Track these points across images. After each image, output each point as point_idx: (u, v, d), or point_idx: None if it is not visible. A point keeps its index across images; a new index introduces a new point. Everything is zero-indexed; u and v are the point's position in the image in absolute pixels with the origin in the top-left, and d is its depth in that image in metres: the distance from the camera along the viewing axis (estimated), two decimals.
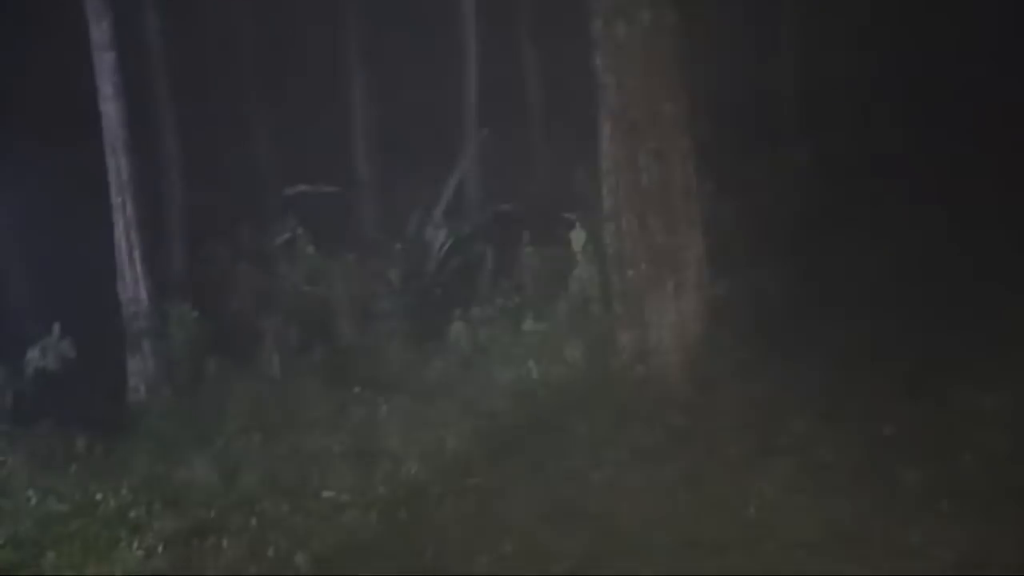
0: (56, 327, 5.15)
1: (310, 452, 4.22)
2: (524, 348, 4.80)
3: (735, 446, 3.68)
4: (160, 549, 3.64)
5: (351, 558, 3.47)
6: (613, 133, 4.61)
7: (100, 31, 5.45)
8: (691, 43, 4.52)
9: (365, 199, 7.22)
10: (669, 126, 4.54)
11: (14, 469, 4.41)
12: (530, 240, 5.60)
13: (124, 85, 5.52)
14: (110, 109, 5.51)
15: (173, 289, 5.92)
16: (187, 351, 5.47)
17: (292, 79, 7.31)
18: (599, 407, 4.15)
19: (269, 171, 7.22)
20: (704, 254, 4.55)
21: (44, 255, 6.36)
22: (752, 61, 6.19)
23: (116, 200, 5.60)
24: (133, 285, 5.60)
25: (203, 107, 6.85)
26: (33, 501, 4.04)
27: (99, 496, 4.01)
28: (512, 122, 7.06)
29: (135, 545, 3.66)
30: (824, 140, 5.88)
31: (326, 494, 3.87)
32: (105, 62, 5.47)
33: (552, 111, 7.09)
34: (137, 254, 5.60)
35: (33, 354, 5.10)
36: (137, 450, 4.67)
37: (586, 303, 5.05)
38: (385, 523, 3.65)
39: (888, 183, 5.41)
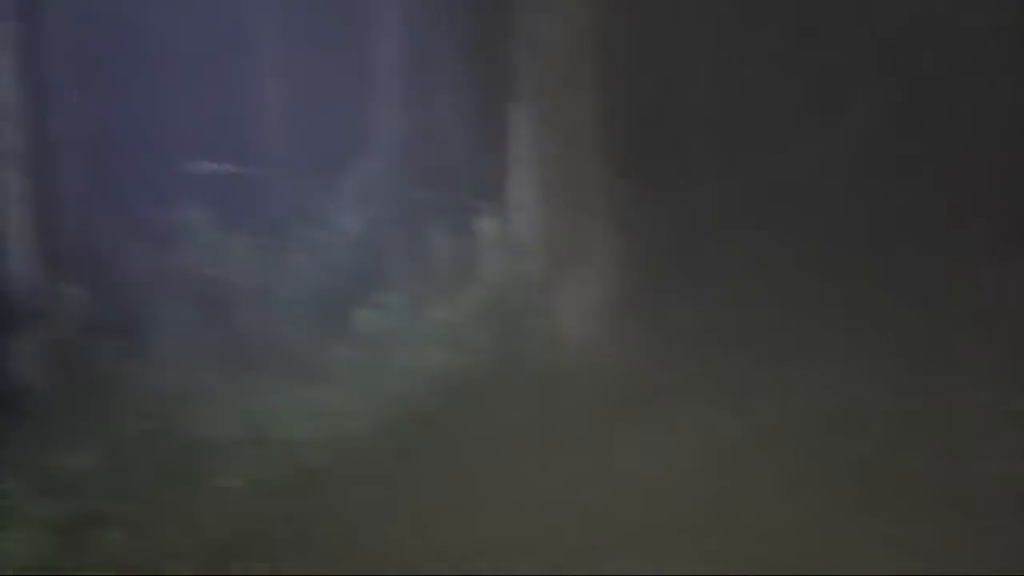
0: None
1: (205, 439, 4.19)
2: (432, 335, 4.84)
3: (640, 434, 3.82)
4: (44, 539, 3.56)
5: (246, 548, 3.46)
6: (527, 123, 4.69)
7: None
8: (612, 40, 4.63)
9: (272, 179, 7.12)
10: (583, 119, 4.65)
11: None
12: (441, 227, 5.63)
13: (19, 55, 5.32)
14: (2, 79, 5.30)
15: (63, 268, 5.73)
16: (77, 333, 5.32)
17: (199, 51, 7.14)
18: (505, 395, 4.24)
19: (171, 146, 7.04)
20: (614, 245, 4.69)
21: None
22: (675, 63, 6.33)
23: (5, 173, 5.40)
24: (21, 263, 5.41)
25: (102, 78, 6.63)
26: None
27: None
28: (426, 107, 7.06)
29: (16, 535, 3.56)
30: (742, 141, 6.08)
31: (221, 483, 3.85)
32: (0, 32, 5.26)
33: (468, 97, 7.12)
34: (26, 230, 5.41)
35: None
36: (21, 436, 4.53)
37: (496, 291, 5.13)
38: (283, 512, 3.65)
39: (807, 182, 5.62)
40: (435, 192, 6.16)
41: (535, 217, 4.71)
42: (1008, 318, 4.44)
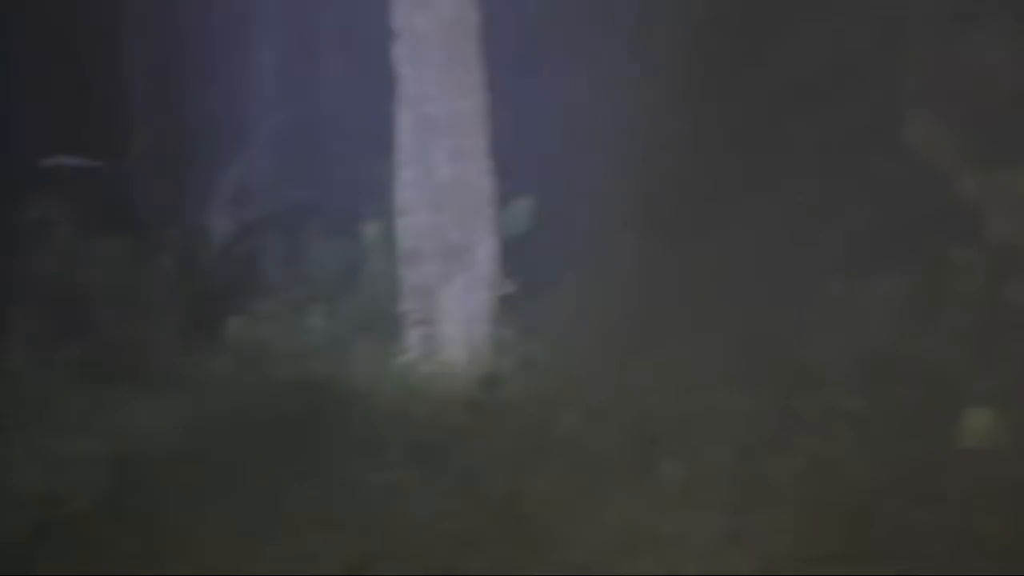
0: None
1: (60, 457, 4.01)
2: (308, 345, 4.79)
3: (514, 444, 3.88)
4: None
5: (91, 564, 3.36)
6: (409, 126, 4.71)
7: None
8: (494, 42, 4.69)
9: (139, 176, 6.86)
10: (466, 123, 4.70)
11: None
12: (321, 231, 5.57)
13: None
14: None
15: None
16: None
17: (61, 36, 6.82)
18: (382, 405, 4.23)
19: (24, 137, 6.69)
20: (496, 253, 4.75)
21: None
22: (561, 66, 6.41)
23: None
24: None
25: None
26: None
27: None
28: (307, 107, 6.97)
29: None
30: (627, 142, 6.22)
31: (75, 503, 3.70)
32: None
33: (350, 97, 7.08)
34: None
35: None
36: None
37: (377, 299, 5.11)
38: (144, 533, 3.54)
39: (688, 183, 5.78)
40: (319, 194, 6.09)
41: (418, 223, 4.73)
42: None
